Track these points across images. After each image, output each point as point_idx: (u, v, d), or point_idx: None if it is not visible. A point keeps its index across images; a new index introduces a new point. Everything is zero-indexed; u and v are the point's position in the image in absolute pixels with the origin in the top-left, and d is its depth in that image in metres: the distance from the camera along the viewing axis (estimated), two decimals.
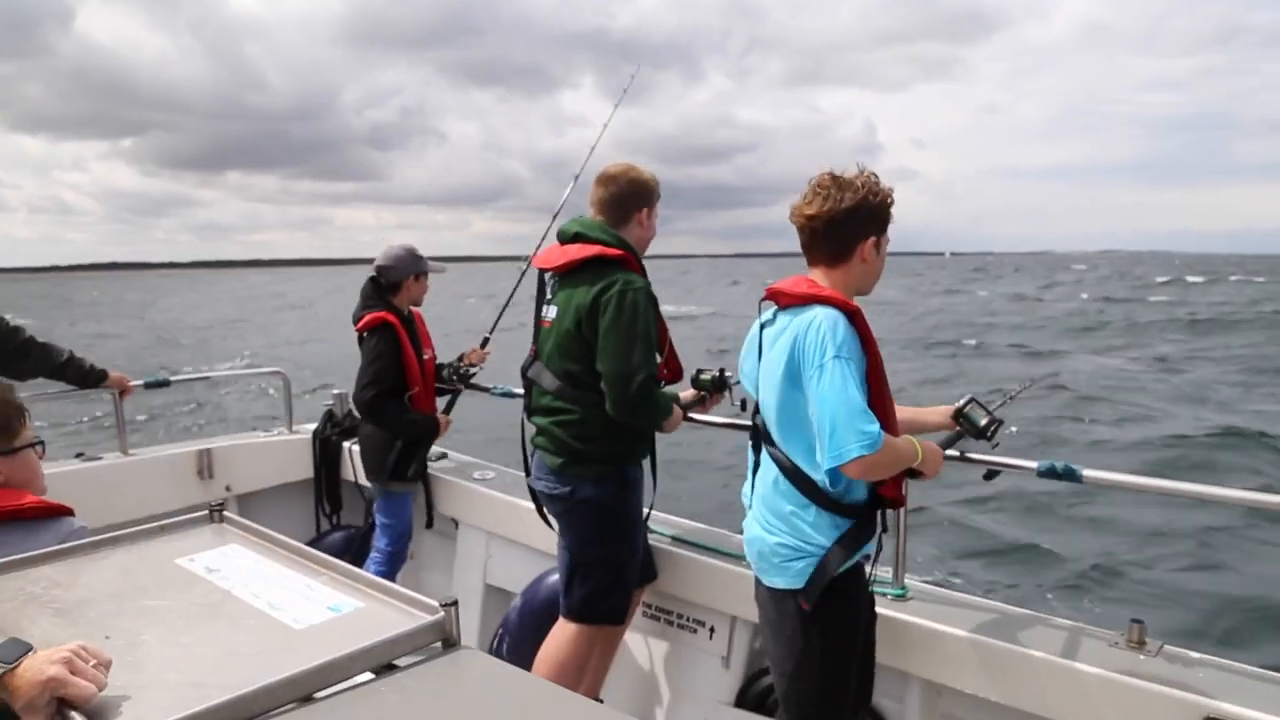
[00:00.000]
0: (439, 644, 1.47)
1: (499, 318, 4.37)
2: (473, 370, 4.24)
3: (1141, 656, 2.44)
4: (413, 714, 1.29)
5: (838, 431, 2.15)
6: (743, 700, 3.12)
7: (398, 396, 3.94)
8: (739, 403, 3.15)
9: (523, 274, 4.32)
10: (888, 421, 2.29)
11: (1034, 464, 2.69)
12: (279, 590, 1.63)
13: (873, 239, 2.34)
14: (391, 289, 4.10)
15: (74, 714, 1.20)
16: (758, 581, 2.46)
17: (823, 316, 2.22)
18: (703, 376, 3.26)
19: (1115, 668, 2.37)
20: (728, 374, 3.24)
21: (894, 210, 2.38)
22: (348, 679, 1.33)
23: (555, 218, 4.06)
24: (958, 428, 2.62)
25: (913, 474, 2.42)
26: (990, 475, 2.73)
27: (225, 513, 2.03)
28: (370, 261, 4.17)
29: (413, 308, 4.20)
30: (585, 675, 3.06)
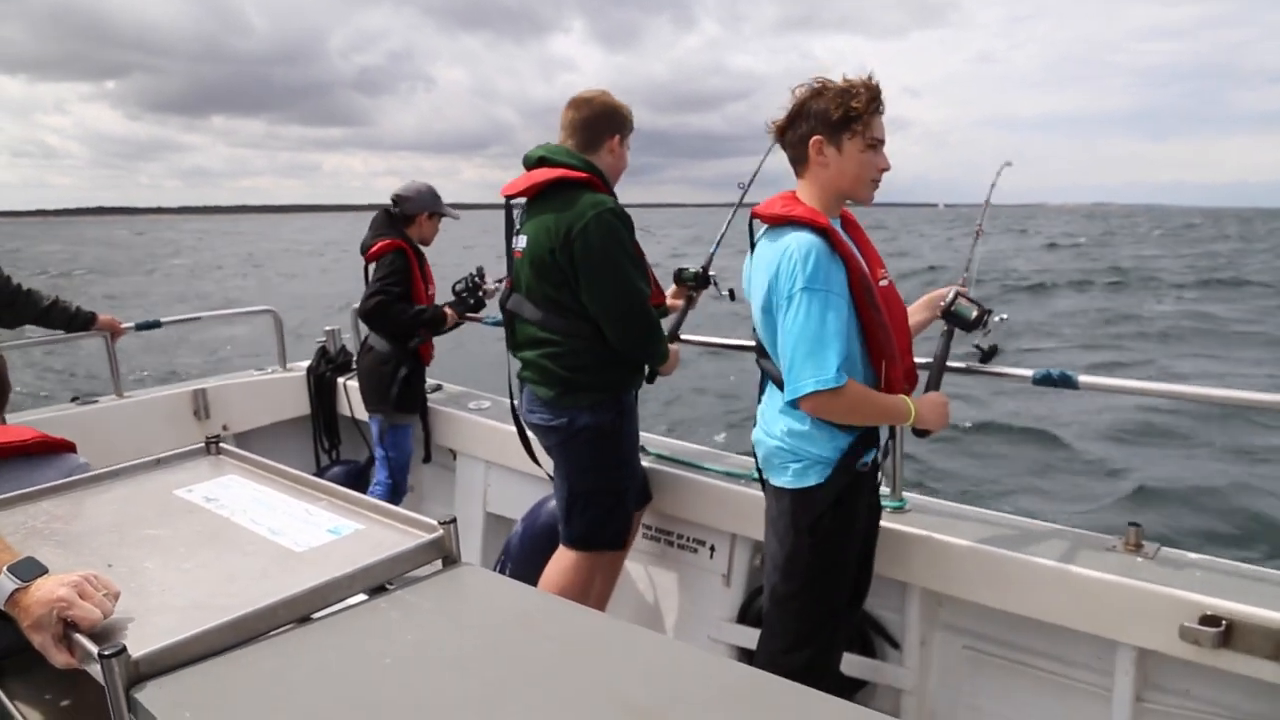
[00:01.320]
0: (439, 561, 1.48)
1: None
2: (486, 289, 4.18)
3: (1139, 559, 2.47)
4: (414, 628, 1.29)
5: (794, 367, 2.18)
6: (744, 616, 3.17)
7: None
8: (727, 292, 3.13)
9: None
10: (881, 346, 2.30)
11: (1029, 372, 2.69)
12: (279, 516, 1.64)
13: (819, 138, 2.28)
14: (405, 220, 4.11)
15: (79, 636, 1.21)
16: (763, 480, 2.49)
17: (794, 245, 2.19)
18: (685, 273, 3.21)
19: (1113, 570, 2.40)
20: (712, 273, 3.21)
21: (859, 106, 2.26)
22: (348, 597, 1.34)
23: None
24: (948, 326, 2.62)
25: (919, 432, 2.43)
26: (986, 358, 2.68)
27: (222, 444, 2.04)
28: (360, 208, 4.13)
29: (421, 245, 4.18)
30: (589, 600, 3.09)
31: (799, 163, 2.36)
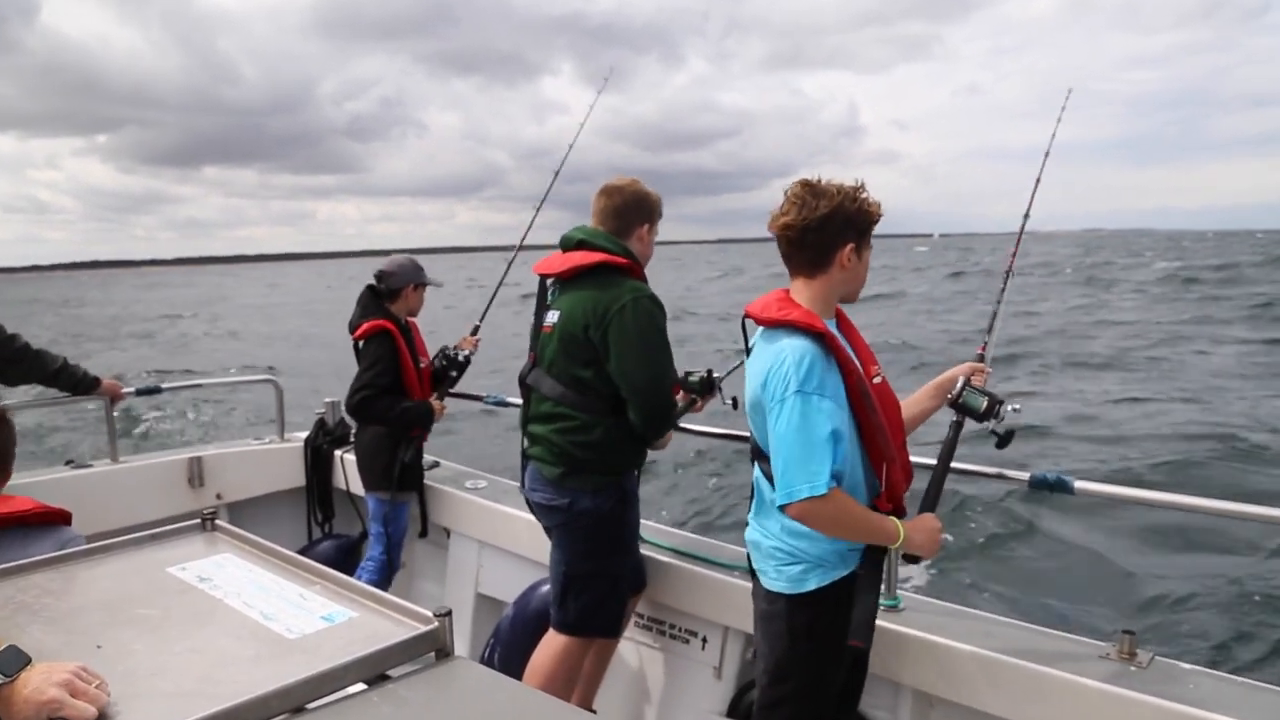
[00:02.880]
0: (432, 654, 1.47)
1: (489, 304, 4.34)
2: (464, 354, 4.21)
3: (1133, 668, 2.44)
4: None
5: (786, 472, 2.16)
6: (734, 710, 3.12)
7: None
8: (730, 401, 3.14)
9: (510, 262, 4.38)
10: (880, 449, 2.28)
11: (1025, 475, 2.69)
12: (272, 599, 1.63)
13: (851, 245, 2.30)
14: (390, 296, 4.12)
15: None
16: (755, 579, 2.45)
17: (788, 349, 2.19)
18: (691, 378, 3.24)
19: (1106, 679, 2.37)
20: (715, 374, 3.23)
21: (879, 213, 2.33)
22: (341, 689, 1.33)
23: (538, 209, 4.27)
24: (957, 417, 2.58)
25: (908, 557, 2.41)
26: (1002, 444, 2.57)
27: (217, 521, 2.03)
28: (355, 255, 4.18)
29: (409, 318, 4.21)
30: (577, 687, 3.05)
31: (817, 265, 2.32)
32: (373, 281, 4.15)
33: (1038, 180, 3.01)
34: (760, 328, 2.37)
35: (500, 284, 4.28)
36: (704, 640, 3.23)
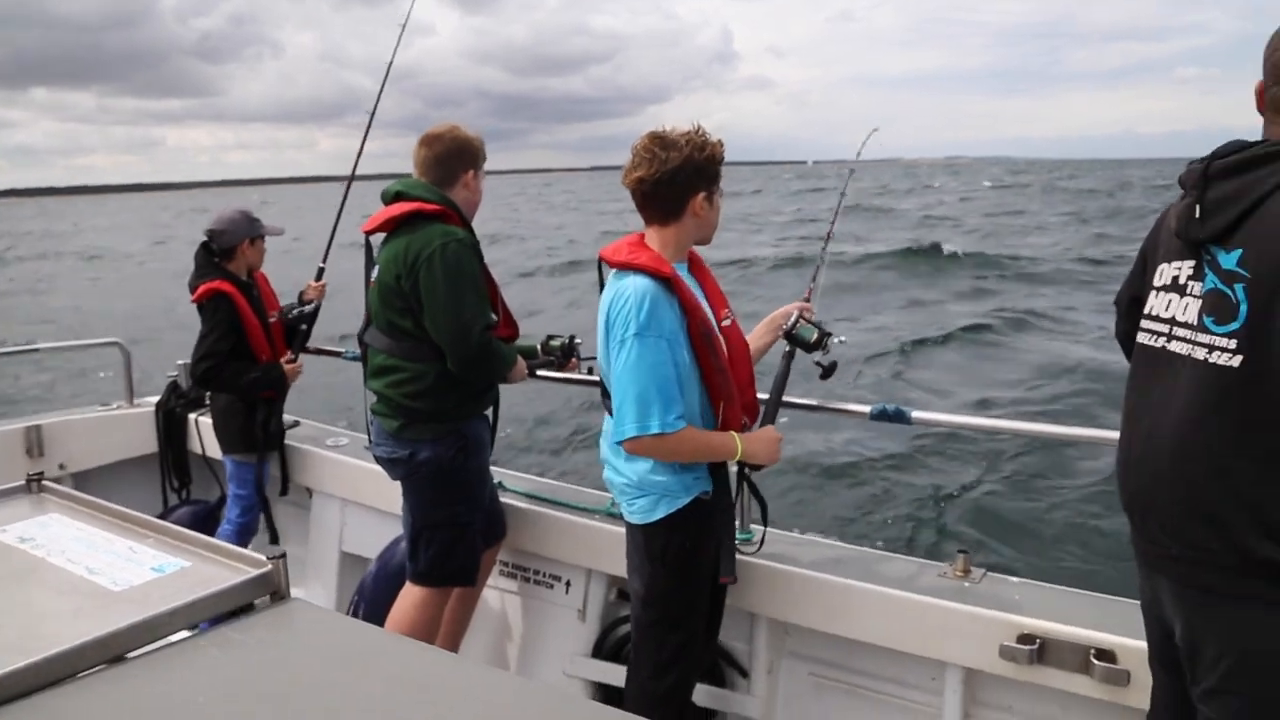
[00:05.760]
0: (267, 598, 1.46)
1: (330, 242, 4.14)
2: (309, 307, 4.08)
3: (967, 584, 2.63)
4: (234, 666, 1.27)
5: (621, 410, 2.29)
6: (599, 650, 3.20)
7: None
8: (587, 369, 3.22)
9: (346, 191, 4.22)
10: (719, 389, 2.39)
11: (866, 408, 2.84)
12: (100, 555, 1.58)
13: (702, 194, 2.40)
14: (225, 255, 3.93)
15: None
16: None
17: (631, 290, 2.29)
18: (553, 343, 3.29)
19: (942, 596, 2.55)
20: (577, 340, 3.29)
21: (723, 155, 2.41)
22: (166, 637, 1.30)
23: (371, 119, 4.21)
24: (789, 348, 2.74)
25: (750, 467, 2.56)
26: (826, 374, 2.78)
27: (45, 481, 1.95)
28: (211, 185, 3.99)
29: (255, 272, 4.06)
30: (437, 637, 3.06)
31: (671, 214, 2.41)
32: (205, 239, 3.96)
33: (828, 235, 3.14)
34: (612, 270, 2.44)
35: (337, 224, 4.08)
36: (567, 584, 3.28)
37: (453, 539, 2.98)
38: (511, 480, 3.46)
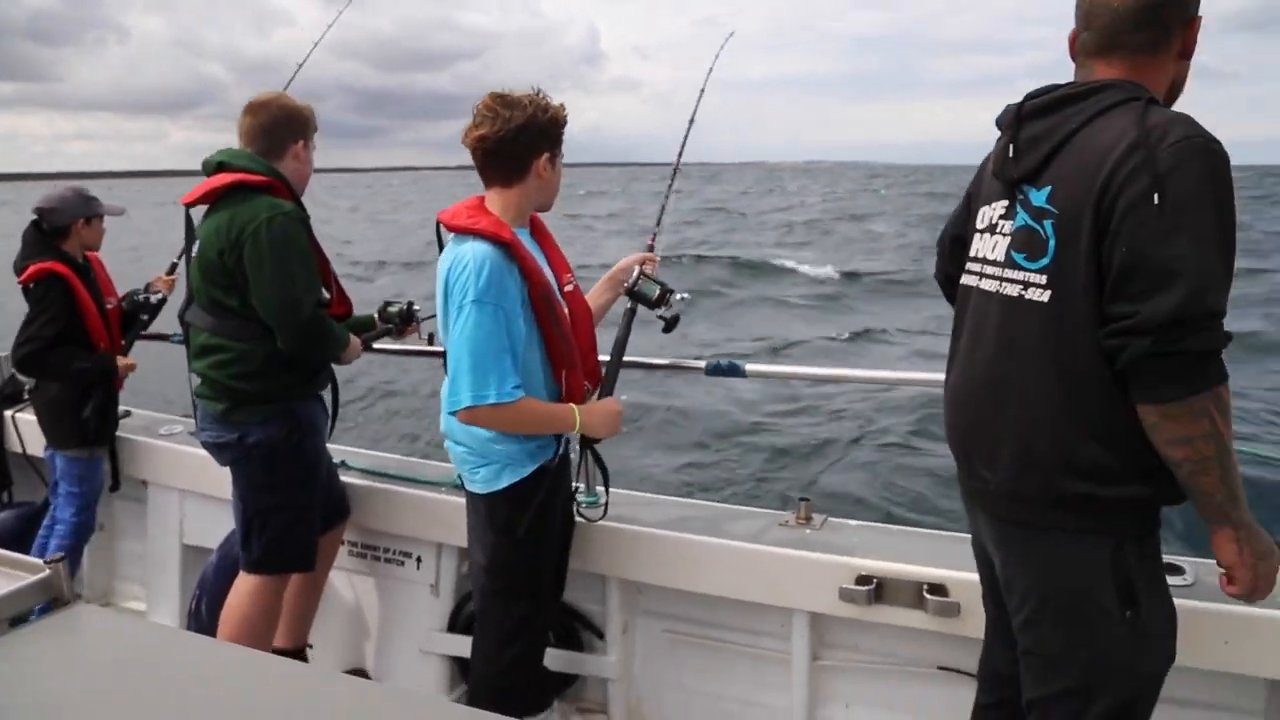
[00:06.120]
0: (46, 604, 1.36)
1: (188, 238, 3.97)
2: (156, 297, 3.87)
3: (808, 531, 2.70)
4: (8, 676, 1.19)
5: (457, 379, 2.23)
6: (454, 624, 3.15)
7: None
8: (428, 336, 3.14)
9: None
10: (561, 356, 2.36)
11: (702, 364, 2.86)
12: None
13: (546, 155, 2.37)
14: (58, 234, 3.66)
15: None
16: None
17: (470, 256, 2.23)
18: (390, 308, 3.20)
19: (785, 544, 2.61)
20: (416, 306, 3.20)
21: (566, 118, 2.40)
22: None
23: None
24: (631, 304, 2.71)
25: (589, 439, 2.53)
26: (669, 328, 2.75)
27: None
28: (48, 177, 3.70)
29: (91, 253, 3.80)
30: (277, 627, 2.95)
31: (513, 175, 2.36)
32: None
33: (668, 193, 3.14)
34: (452, 235, 2.37)
35: (189, 219, 3.88)
36: (418, 560, 3.22)
37: (288, 524, 2.86)
38: (354, 458, 3.36)
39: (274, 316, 2.69)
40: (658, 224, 2.91)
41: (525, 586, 2.48)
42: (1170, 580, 2.15)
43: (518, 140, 2.31)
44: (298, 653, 3.11)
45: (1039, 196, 1.67)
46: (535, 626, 2.53)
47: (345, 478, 3.20)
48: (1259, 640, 2.08)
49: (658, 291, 2.69)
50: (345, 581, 3.39)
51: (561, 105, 2.38)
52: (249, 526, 2.86)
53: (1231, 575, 1.63)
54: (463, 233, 2.30)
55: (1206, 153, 1.51)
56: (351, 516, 3.18)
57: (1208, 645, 2.06)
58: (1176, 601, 1.76)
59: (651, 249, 2.88)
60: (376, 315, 3.22)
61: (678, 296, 2.74)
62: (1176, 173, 1.49)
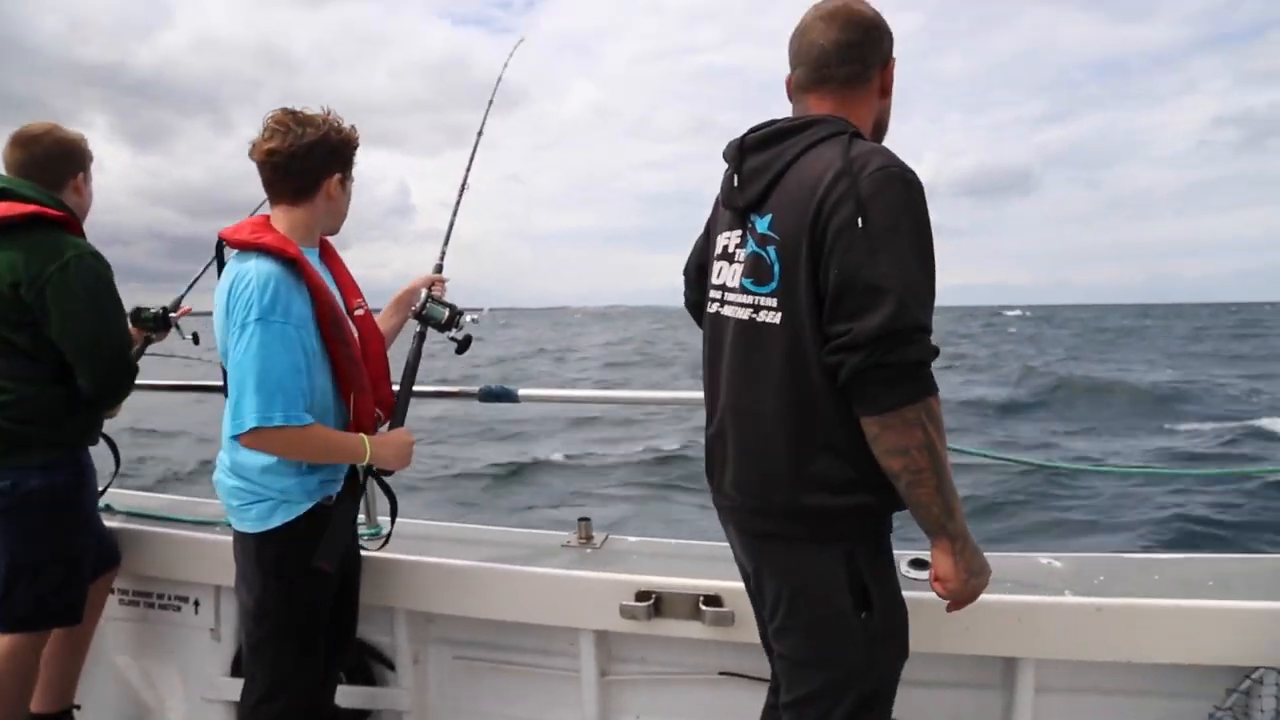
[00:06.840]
0: None
1: None
2: None
3: (589, 550, 2.80)
4: None
5: (240, 401, 2.12)
6: (238, 669, 3.03)
7: None
8: (191, 336, 2.98)
9: None
10: (349, 379, 2.30)
11: (475, 389, 2.90)
12: None
13: (338, 176, 2.33)
14: None
15: None
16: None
17: (254, 273, 2.14)
18: (145, 314, 2.97)
19: (566, 565, 2.69)
20: (171, 314, 3.02)
21: (358, 140, 2.37)
22: None
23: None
24: (421, 328, 2.67)
25: (381, 472, 2.44)
26: (461, 349, 2.73)
27: None
28: None
29: None
30: (40, 687, 2.74)
31: (302, 193, 2.30)
32: None
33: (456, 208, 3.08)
34: (234, 252, 2.27)
35: None
36: (196, 603, 3.08)
37: (63, 576, 2.66)
38: (120, 501, 3.18)
39: (90, 358, 2.54)
40: (445, 244, 2.88)
41: (296, 629, 2.34)
42: (915, 574, 2.39)
43: (309, 157, 2.25)
44: (64, 715, 2.91)
45: (762, 224, 1.79)
46: (307, 671, 2.38)
47: (110, 522, 3.03)
48: (993, 624, 2.33)
49: (446, 314, 2.65)
50: (118, 632, 3.19)
51: (353, 127, 2.34)
52: (15, 580, 2.60)
53: (944, 584, 1.78)
54: (246, 249, 2.20)
55: (902, 181, 1.63)
56: (121, 564, 3.00)
57: (950, 632, 2.28)
58: (921, 594, 1.93)
59: (440, 269, 2.82)
60: (130, 324, 2.95)
61: (468, 318, 2.71)
62: (876, 199, 1.63)
